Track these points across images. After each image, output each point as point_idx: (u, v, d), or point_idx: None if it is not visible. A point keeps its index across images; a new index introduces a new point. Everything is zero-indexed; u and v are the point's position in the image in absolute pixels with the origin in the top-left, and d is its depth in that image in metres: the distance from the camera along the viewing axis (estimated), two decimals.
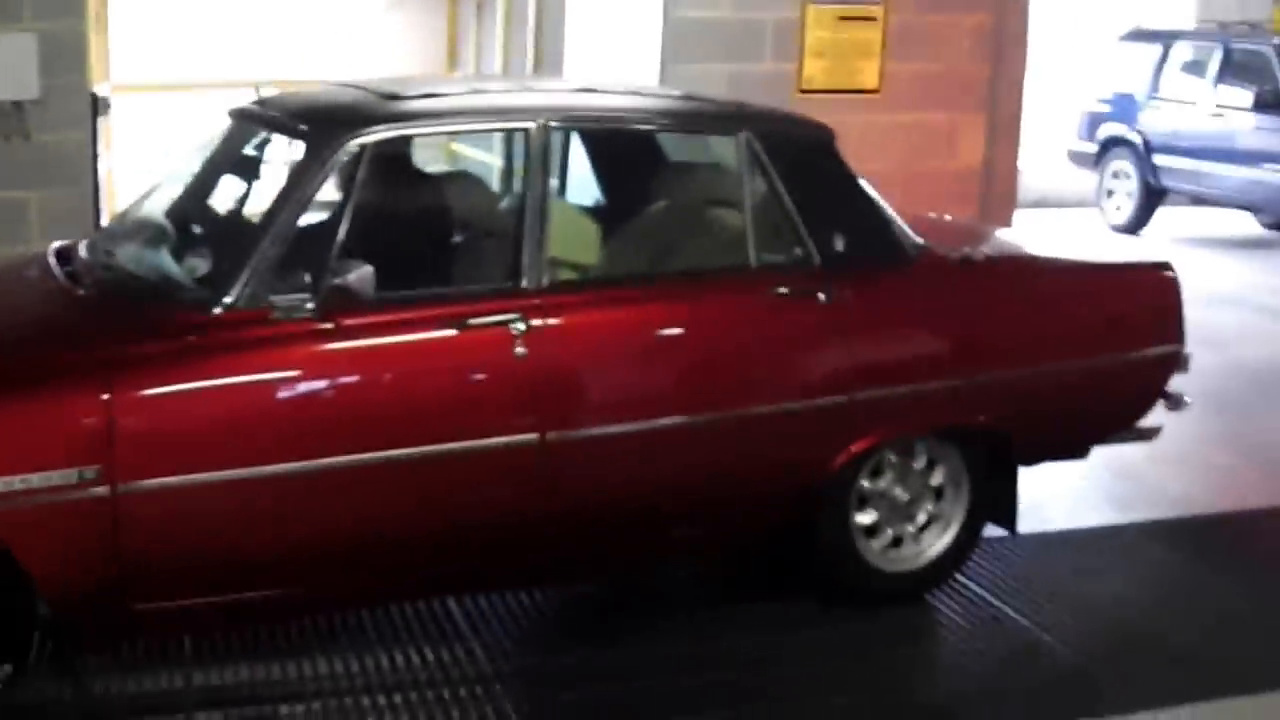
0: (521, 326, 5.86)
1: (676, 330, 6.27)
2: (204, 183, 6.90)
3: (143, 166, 10.07)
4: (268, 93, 7.03)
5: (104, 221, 9.33)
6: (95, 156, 9.74)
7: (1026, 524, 7.23)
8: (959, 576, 7.04)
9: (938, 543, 6.88)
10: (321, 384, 5.71)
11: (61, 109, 9.20)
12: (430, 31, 16.49)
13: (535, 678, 6.16)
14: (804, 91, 10.32)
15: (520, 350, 5.86)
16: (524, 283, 5.96)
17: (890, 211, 6.80)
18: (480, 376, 5.93)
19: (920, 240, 6.81)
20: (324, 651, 6.24)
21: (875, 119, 10.47)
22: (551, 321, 5.94)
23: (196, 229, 6.54)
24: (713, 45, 10.11)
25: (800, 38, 10.31)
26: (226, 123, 6.92)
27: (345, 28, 16.94)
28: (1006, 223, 10.90)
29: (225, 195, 6.89)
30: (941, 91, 10.74)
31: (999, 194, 11.19)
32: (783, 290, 6.34)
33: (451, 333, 5.83)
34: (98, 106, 9.72)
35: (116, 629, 5.72)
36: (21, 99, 9.04)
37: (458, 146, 13.79)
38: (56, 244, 6.65)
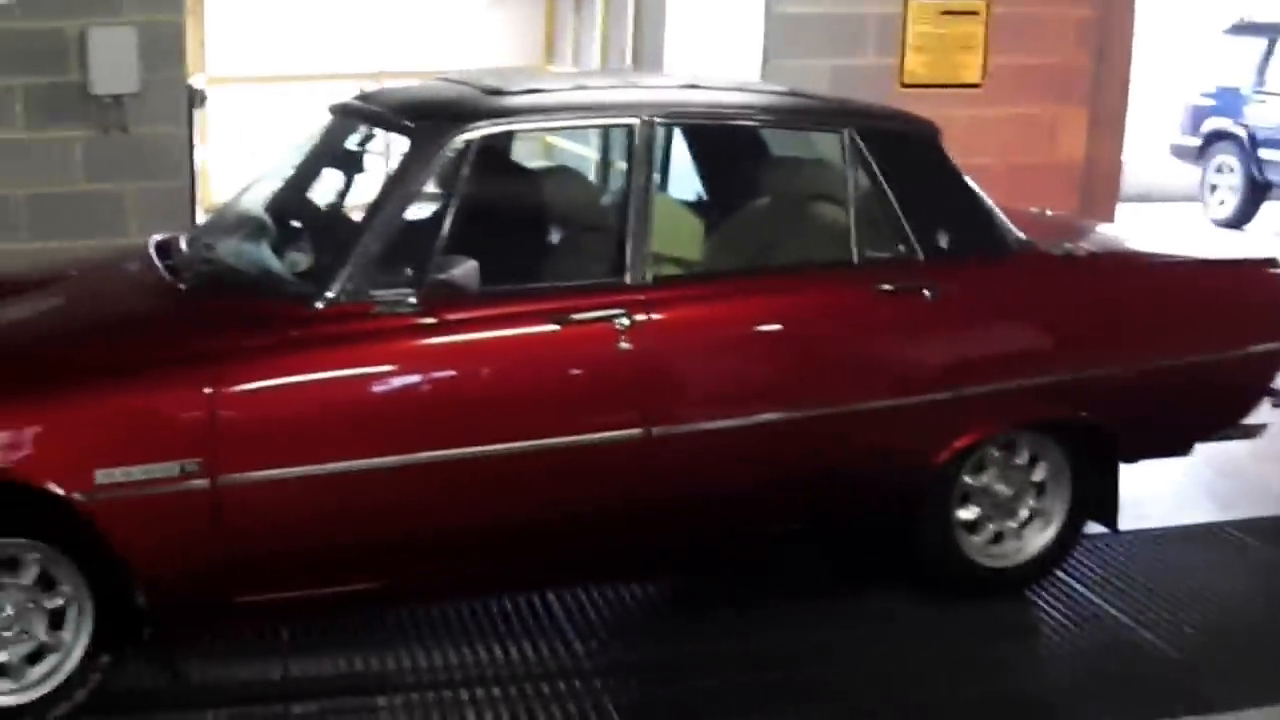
0: (625, 321, 5.90)
1: (779, 326, 6.28)
2: (305, 177, 6.96)
3: (239, 159, 10.09)
4: (370, 87, 7.04)
5: (199, 214, 9.44)
6: (191, 149, 9.79)
7: (1127, 521, 7.20)
8: (1060, 573, 7.04)
9: (1039, 539, 6.88)
10: (423, 378, 5.77)
11: (159, 102, 9.24)
12: (527, 26, 16.45)
13: (633, 671, 6.24)
14: (906, 86, 10.27)
15: (624, 345, 5.89)
16: (627, 278, 6.00)
17: (993, 207, 6.79)
18: (583, 371, 5.96)
19: (1023, 235, 6.80)
20: (422, 644, 6.34)
21: (977, 113, 10.39)
22: (655, 316, 5.97)
23: (297, 224, 6.62)
24: (814, 39, 10.07)
25: (902, 32, 10.30)
26: (328, 117, 6.97)
27: (443, 21, 16.95)
28: (1109, 217, 10.79)
29: (327, 190, 6.94)
30: (1044, 85, 10.67)
31: (1101, 188, 11.08)
32: (886, 286, 6.34)
33: (554, 328, 5.86)
34: (193, 99, 9.78)
35: (214, 620, 5.79)
36: (121, 92, 9.08)
37: (554, 140, 13.84)
38: (157, 237, 6.73)
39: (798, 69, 9.76)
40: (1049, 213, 8.08)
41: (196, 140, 10.11)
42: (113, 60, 8.96)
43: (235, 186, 7.08)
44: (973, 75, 10.47)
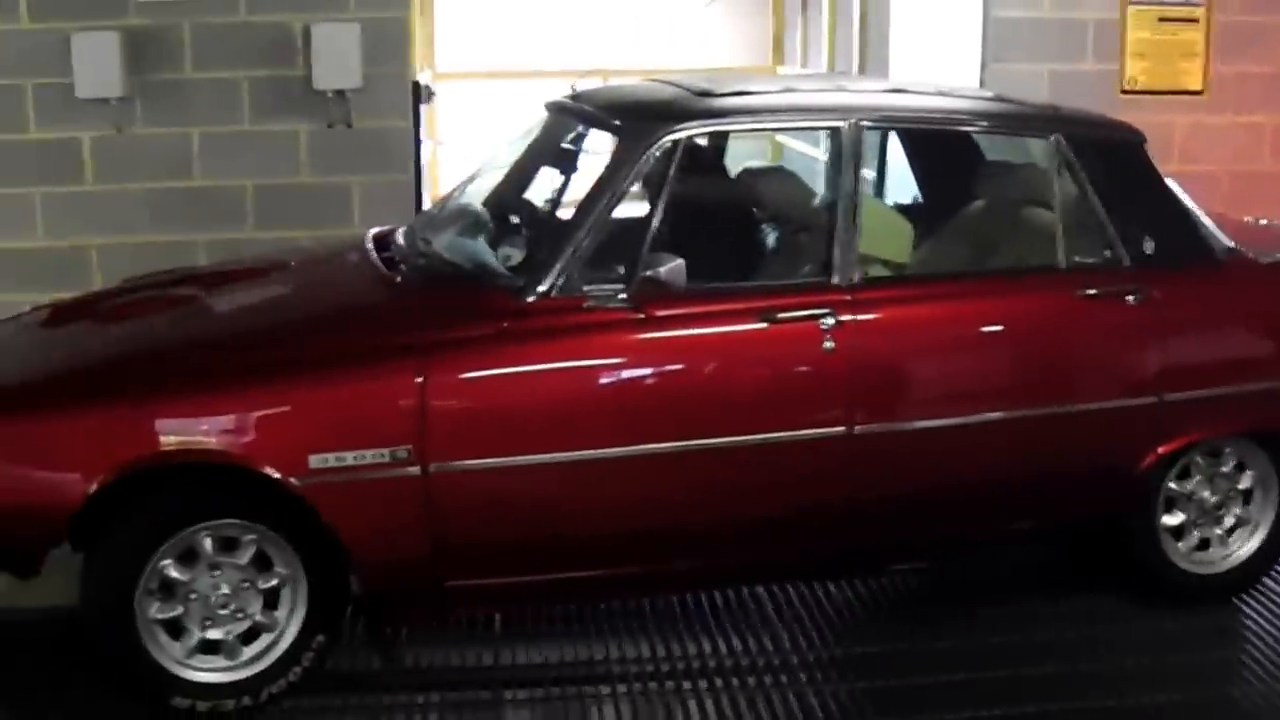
0: (830, 321, 5.98)
1: (984, 329, 6.34)
2: (520, 173, 7.14)
3: (468, 154, 10.29)
4: (583, 85, 7.21)
5: (426, 207, 9.55)
6: (418, 143, 10.01)
7: None
8: (1269, 582, 6.98)
9: (1245, 546, 6.85)
10: (631, 373, 5.93)
11: (383, 97, 9.51)
12: (755, 28, 16.52)
13: (844, 667, 6.28)
14: (1126, 92, 10.22)
15: (829, 344, 5.98)
16: (834, 278, 6.09)
17: (1200, 214, 6.78)
18: (787, 369, 6.05)
19: (1231, 243, 6.78)
20: (631, 636, 6.48)
21: (1199, 120, 10.33)
22: (860, 317, 6.05)
23: (511, 218, 6.82)
24: (1033, 45, 10.06)
25: (1121, 38, 10.22)
26: (543, 114, 7.13)
27: (668, 21, 17.08)
28: None
29: (540, 186, 7.11)
30: (1269, 93, 10.52)
31: None
32: (1092, 291, 6.37)
33: (760, 325, 5.96)
34: (420, 94, 9.98)
35: (427, 604, 6.00)
36: (345, 88, 9.35)
37: (784, 140, 13.93)
38: (374, 230, 6.96)
39: (1016, 74, 9.81)
40: (1263, 221, 8.00)
41: (424, 135, 10.34)
42: (336, 55, 9.24)
43: (455, 181, 7.26)
44: (1194, 82, 10.36)
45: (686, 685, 6.12)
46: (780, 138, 12.81)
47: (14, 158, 9.42)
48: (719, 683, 6.13)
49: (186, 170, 9.52)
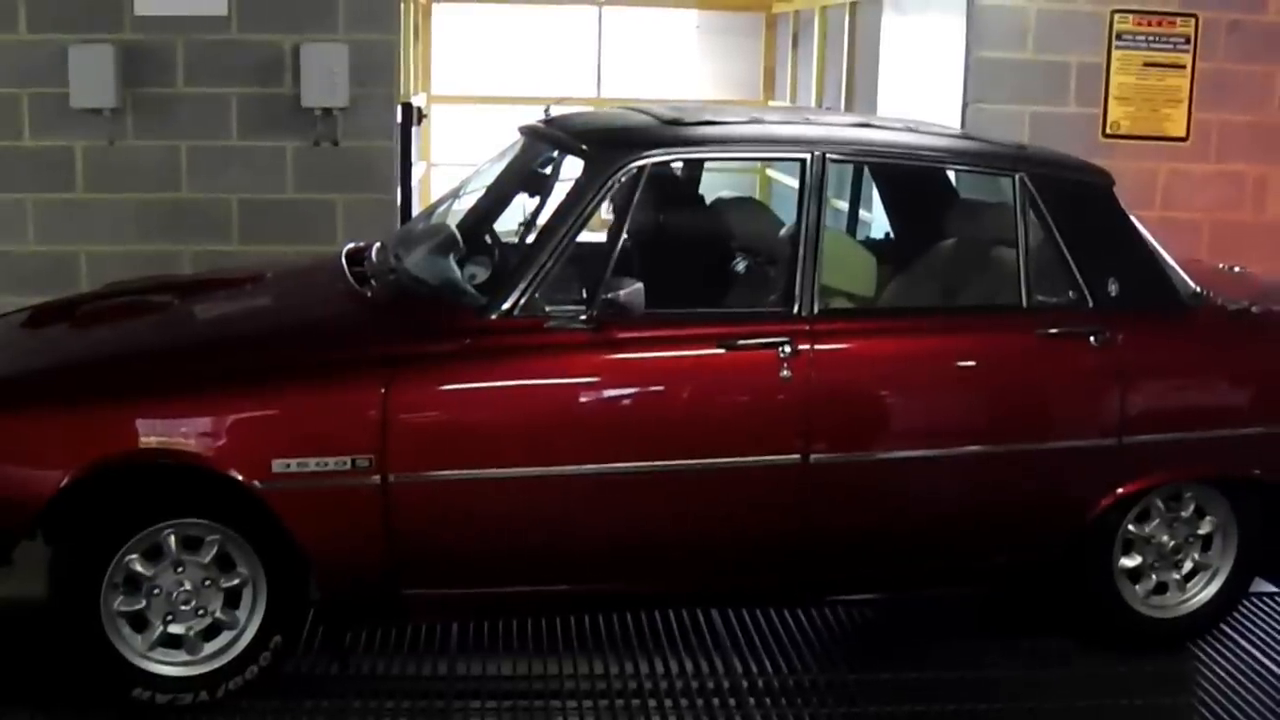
0: (788, 350, 5.99)
1: (943, 364, 6.32)
2: (492, 195, 7.22)
3: (459, 174, 10.40)
4: (556, 111, 7.24)
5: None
6: (408, 163, 10.08)
7: None
8: (1225, 629, 6.93)
9: (1203, 592, 6.81)
10: (589, 393, 5.94)
11: (370, 117, 9.53)
12: (746, 63, 16.60)
13: (793, 694, 6.26)
14: (1108, 136, 10.18)
15: (786, 373, 5.98)
16: (794, 308, 6.09)
17: (1168, 259, 6.76)
18: (744, 396, 6.06)
19: (1199, 289, 6.77)
20: (588, 652, 6.51)
21: (1182, 167, 10.29)
22: (819, 347, 6.05)
23: (480, 239, 6.89)
24: (1016, 86, 10.01)
25: (1105, 82, 10.17)
26: (517, 138, 7.18)
27: (661, 51, 17.13)
28: None
29: (511, 209, 7.16)
30: (1252, 142, 10.45)
31: None
32: (1054, 330, 6.35)
33: (718, 351, 5.98)
34: (412, 116, 10.04)
35: (383, 612, 6.08)
36: (332, 106, 9.38)
37: (773, 173, 13.95)
38: (349, 246, 7.04)
39: (998, 114, 9.81)
40: (1236, 269, 7.96)
41: (415, 155, 10.37)
42: (324, 75, 9.28)
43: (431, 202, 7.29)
44: (1177, 129, 10.30)
45: (636, 704, 6.14)
46: (770, 171, 12.84)
47: (8, 165, 9.47)
48: (667, 703, 6.14)
49: (175, 183, 9.56)
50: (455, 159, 13.31)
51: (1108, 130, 10.21)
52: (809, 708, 6.13)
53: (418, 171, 10.89)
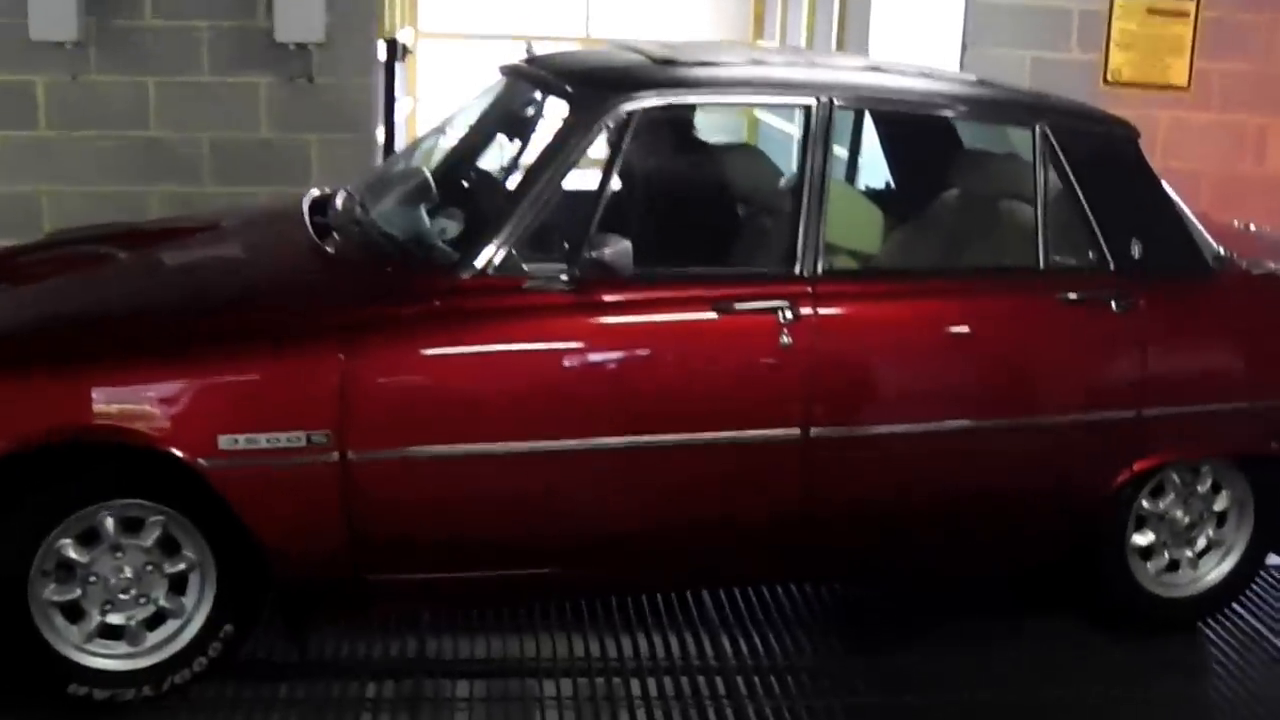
0: (789, 314, 5.44)
1: (955, 330, 5.77)
2: (469, 139, 6.67)
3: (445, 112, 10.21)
4: (540, 49, 6.66)
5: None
6: (392, 101, 9.77)
7: None
8: (1236, 608, 6.51)
9: (1216, 570, 6.36)
10: (570, 361, 5.36)
11: (347, 53, 9.17)
12: (735, 5, 16.39)
13: (783, 676, 5.82)
14: (1109, 84, 9.83)
15: (786, 340, 5.43)
16: (796, 268, 5.54)
17: (1193, 219, 6.27)
18: (741, 365, 5.50)
19: (1224, 252, 6.27)
20: (566, 631, 6.02)
21: (1183, 116, 9.94)
22: (822, 311, 5.51)
23: (454, 188, 6.25)
24: (1016, 30, 9.66)
25: (1107, 28, 9.85)
26: (498, 78, 6.62)
27: None
28: None
29: (488, 154, 6.62)
30: (1255, 93, 10.12)
31: None
32: (1073, 295, 5.84)
33: (712, 316, 5.42)
34: (396, 51, 9.75)
35: (346, 598, 5.48)
36: (307, 41, 8.98)
37: (761, 116, 13.51)
38: (314, 192, 6.47)
39: (997, 58, 9.49)
40: (1253, 228, 7.51)
41: (400, 93, 10.12)
42: (299, 7, 8.88)
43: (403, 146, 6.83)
44: (1179, 78, 10.00)
45: (618, 681, 5.70)
46: (757, 112, 12.47)
47: None
48: (650, 683, 5.70)
49: (142, 121, 9.11)
50: (445, 96, 12.95)
51: (1109, 78, 9.93)
52: (805, 699, 5.64)
53: (405, 109, 10.71)
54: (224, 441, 5.01)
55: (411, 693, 5.53)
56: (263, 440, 5.04)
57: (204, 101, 9.06)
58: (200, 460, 5.00)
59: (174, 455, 5.00)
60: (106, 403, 5.00)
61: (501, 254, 5.26)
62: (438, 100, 12.92)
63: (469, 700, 5.52)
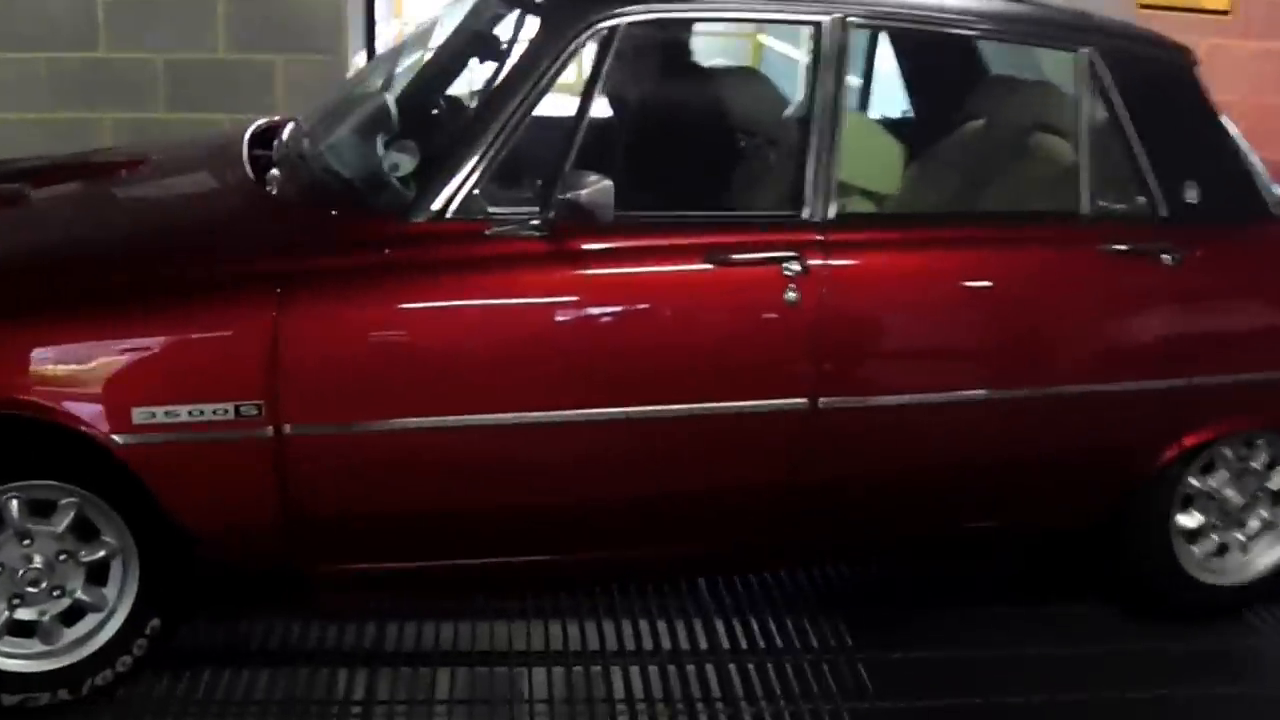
0: (796, 267, 4.88)
1: (986, 285, 5.23)
2: (436, 61, 6.11)
3: None
4: None
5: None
6: (373, 21, 9.34)
7: None
8: None
9: (1267, 555, 5.84)
10: (540, 320, 4.83)
11: None
12: None
13: (780, 658, 5.39)
14: (1145, 7, 9.35)
15: (792, 295, 4.87)
16: (804, 213, 4.98)
17: (1255, 160, 5.71)
18: (739, 325, 4.96)
19: None
20: (540, 616, 5.57)
21: (1223, 44, 9.33)
22: (834, 263, 4.95)
23: (417, 116, 5.67)
24: None
25: None
26: None
27: None
28: None
29: (451, 79, 6.07)
30: None
31: None
32: (1119, 246, 5.29)
33: (707, 268, 4.86)
34: None
35: (285, 589, 5.11)
36: None
37: (767, 41, 12.88)
38: (260, 122, 5.94)
39: None
40: None
41: (388, 12, 9.76)
42: None
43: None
44: (1221, 1, 9.55)
45: (596, 669, 5.28)
46: (762, 37, 11.89)
47: None
48: (632, 670, 5.27)
49: (90, 40, 8.57)
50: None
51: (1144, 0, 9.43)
52: (809, 702, 5.11)
53: (390, 31, 10.31)
54: (139, 415, 4.51)
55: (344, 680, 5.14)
56: (184, 413, 4.54)
57: (157, 18, 8.55)
58: (113, 437, 4.52)
59: (82, 432, 4.52)
60: (2, 370, 4.52)
61: (462, 194, 4.72)
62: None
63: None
